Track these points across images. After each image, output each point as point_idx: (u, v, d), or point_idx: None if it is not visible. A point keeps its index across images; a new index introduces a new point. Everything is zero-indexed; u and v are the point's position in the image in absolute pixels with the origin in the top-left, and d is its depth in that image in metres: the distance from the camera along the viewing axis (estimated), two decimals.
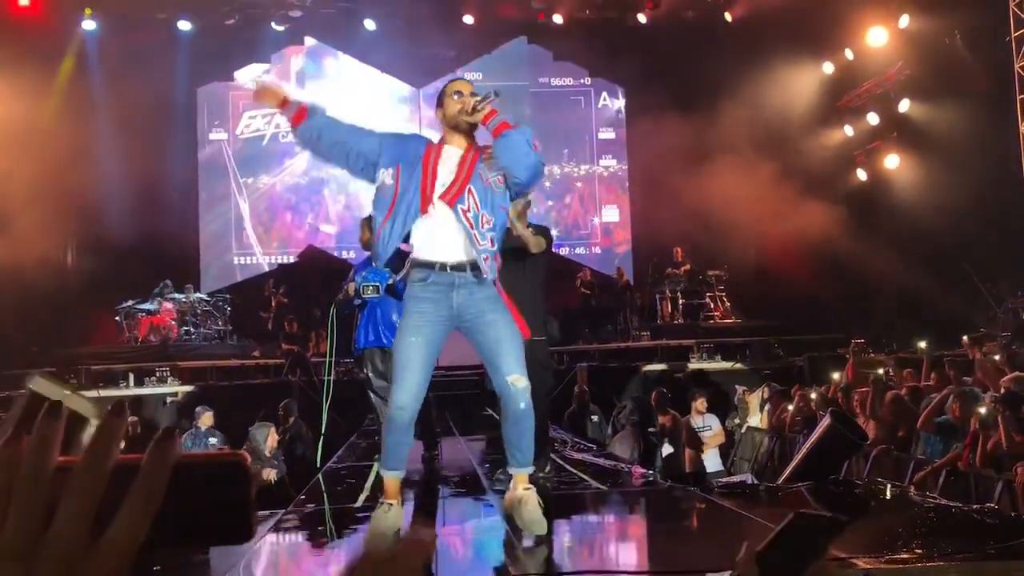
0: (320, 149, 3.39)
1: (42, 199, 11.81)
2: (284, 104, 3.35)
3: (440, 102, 3.39)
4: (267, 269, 16.22)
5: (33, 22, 14.11)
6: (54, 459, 0.54)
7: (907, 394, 7.11)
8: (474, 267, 3.25)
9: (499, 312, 3.29)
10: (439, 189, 3.24)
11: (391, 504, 3.28)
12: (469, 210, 3.23)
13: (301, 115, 3.33)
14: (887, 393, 7.17)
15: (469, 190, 3.24)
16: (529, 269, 4.58)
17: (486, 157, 3.30)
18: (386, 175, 3.28)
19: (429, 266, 3.25)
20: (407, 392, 3.18)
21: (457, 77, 3.58)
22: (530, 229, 4.49)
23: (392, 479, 3.33)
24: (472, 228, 3.22)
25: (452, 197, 3.23)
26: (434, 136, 3.46)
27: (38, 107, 13.19)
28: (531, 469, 3.40)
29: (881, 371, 8.23)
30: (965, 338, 8.58)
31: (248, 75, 16.09)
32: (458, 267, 3.25)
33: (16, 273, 12.00)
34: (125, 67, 14.14)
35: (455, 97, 3.32)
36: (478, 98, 3.22)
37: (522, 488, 3.32)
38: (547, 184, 16.56)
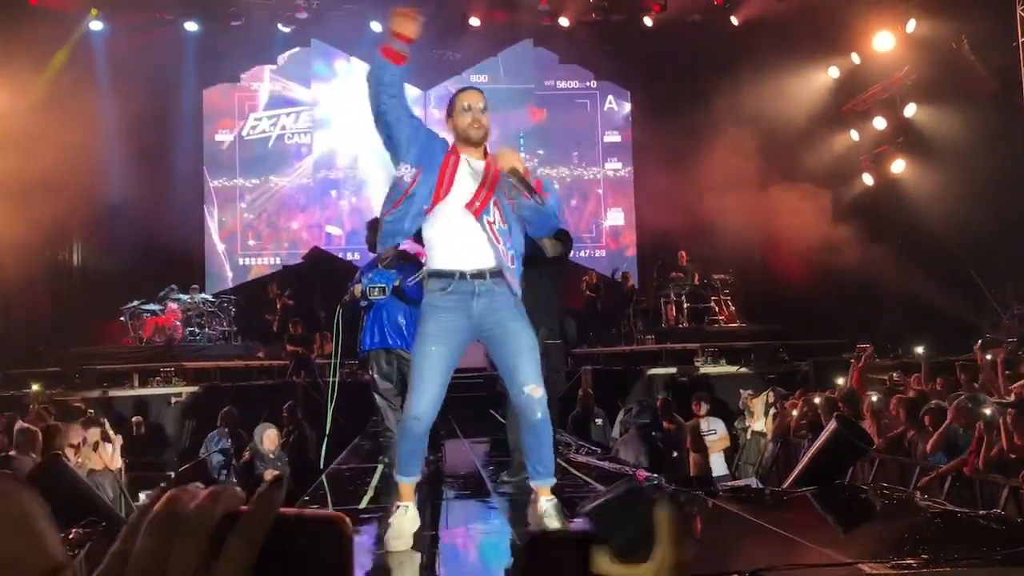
0: (395, 101, 3.16)
1: (47, 200, 11.82)
2: (409, 40, 3.14)
3: (450, 111, 3.34)
4: (272, 271, 16.24)
5: (43, 21, 14.13)
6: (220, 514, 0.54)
7: (914, 397, 7.08)
8: (494, 274, 3.22)
9: (520, 321, 3.27)
10: (462, 198, 3.20)
11: (407, 506, 3.30)
12: (495, 223, 3.21)
13: (406, 59, 3.16)
14: (892, 397, 7.14)
15: (495, 201, 3.22)
16: (547, 272, 4.54)
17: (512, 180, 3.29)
18: (407, 172, 3.20)
19: (448, 275, 3.22)
20: (425, 402, 3.17)
21: (466, 86, 3.43)
22: None
23: (407, 484, 3.35)
24: (499, 243, 3.20)
25: (478, 208, 3.19)
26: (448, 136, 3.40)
27: (41, 108, 13.21)
28: (553, 481, 3.38)
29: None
30: (982, 345, 8.52)
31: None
32: (478, 275, 3.22)
33: (22, 273, 12.03)
34: (131, 68, 14.17)
35: (465, 112, 3.27)
36: (516, 182, 3.11)
37: (544, 500, 3.32)
38: (556, 186, 16.53)
